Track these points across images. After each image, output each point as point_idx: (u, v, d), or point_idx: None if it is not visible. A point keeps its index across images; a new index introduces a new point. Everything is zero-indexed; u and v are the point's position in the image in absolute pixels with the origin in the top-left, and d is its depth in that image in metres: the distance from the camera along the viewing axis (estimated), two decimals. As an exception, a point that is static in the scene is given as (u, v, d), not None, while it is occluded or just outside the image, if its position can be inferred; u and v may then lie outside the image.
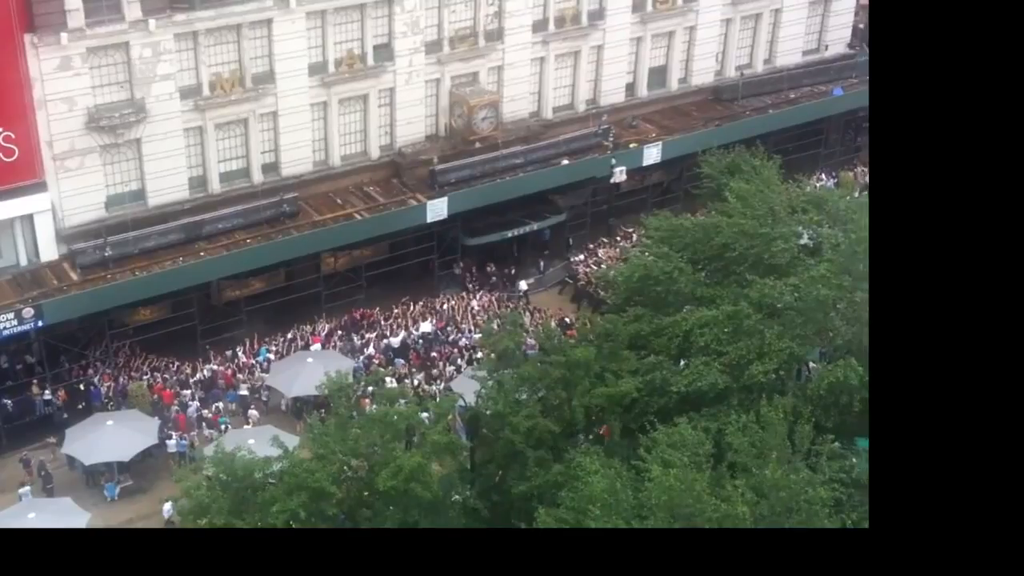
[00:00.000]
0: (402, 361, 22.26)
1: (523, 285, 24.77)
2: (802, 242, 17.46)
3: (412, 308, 23.85)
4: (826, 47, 30.89)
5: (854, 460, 13.23)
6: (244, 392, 21.58)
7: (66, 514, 17.64)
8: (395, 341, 22.76)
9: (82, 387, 21.04)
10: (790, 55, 30.12)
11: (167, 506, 18.32)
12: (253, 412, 21.01)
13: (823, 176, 29.05)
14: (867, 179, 30.04)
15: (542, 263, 25.66)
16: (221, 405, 21.24)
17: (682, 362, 15.60)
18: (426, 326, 23.21)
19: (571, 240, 26.04)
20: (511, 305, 24.08)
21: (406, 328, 23.24)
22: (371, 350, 22.52)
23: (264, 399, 21.63)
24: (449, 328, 23.39)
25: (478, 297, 24.50)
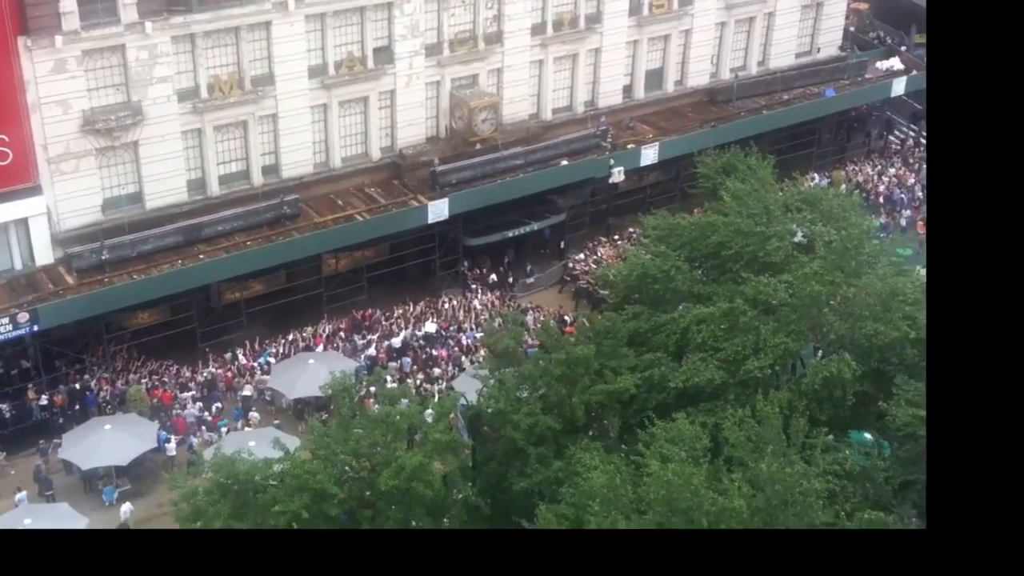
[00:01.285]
0: (409, 361, 22.24)
1: (494, 278, 24.91)
2: (796, 240, 17.70)
3: (413, 309, 23.88)
4: (818, 49, 31.27)
5: (847, 452, 13.40)
6: (247, 393, 21.56)
7: (63, 519, 17.53)
8: (396, 341, 22.77)
9: (78, 386, 20.93)
10: (783, 57, 30.48)
11: (125, 507, 18.30)
12: (254, 414, 20.98)
13: (815, 176, 29.39)
14: (859, 178, 30.49)
15: (529, 267, 25.60)
16: (219, 406, 21.14)
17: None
18: (430, 326, 23.26)
19: (563, 244, 26.08)
20: (511, 304, 24.23)
21: (407, 328, 23.27)
22: (373, 351, 22.52)
23: (268, 399, 21.57)
24: (452, 328, 23.45)
25: (479, 297, 24.59)
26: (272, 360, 22.19)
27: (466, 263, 25.05)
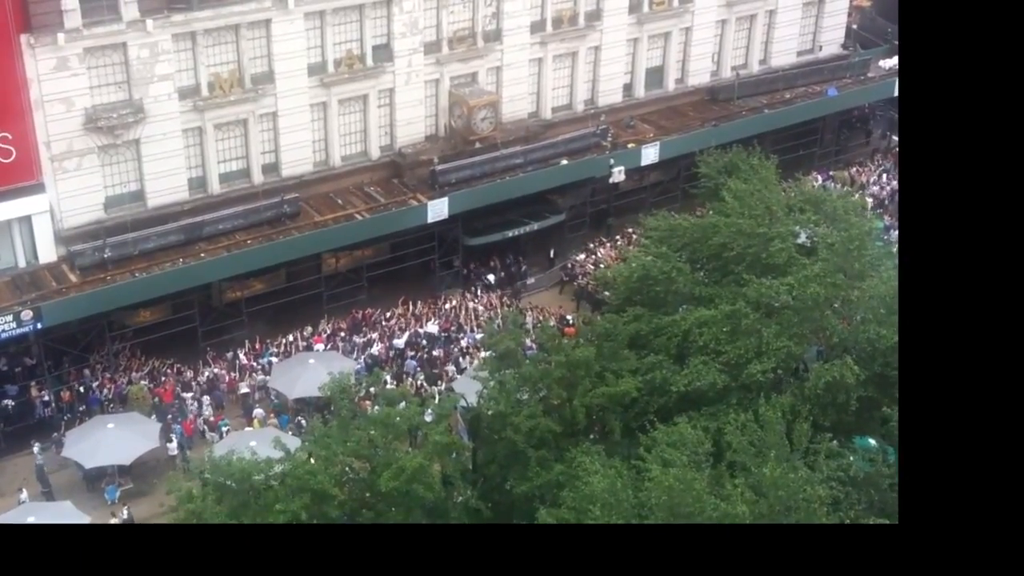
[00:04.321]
0: (414, 363, 22.21)
1: (491, 278, 24.80)
2: (799, 241, 17.65)
3: (412, 308, 23.88)
4: (820, 48, 31.10)
5: (851, 458, 13.41)
6: (245, 390, 21.55)
7: (66, 517, 17.54)
8: (399, 342, 22.75)
9: (82, 389, 20.93)
10: (785, 56, 30.32)
11: (23, 494, 18.32)
12: (259, 411, 21.00)
13: (818, 176, 29.31)
14: (863, 178, 30.40)
15: (498, 270, 25.30)
16: (213, 409, 21.05)
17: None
18: (431, 326, 23.24)
19: (552, 254, 25.93)
20: (511, 305, 24.21)
21: (407, 328, 23.25)
22: (375, 350, 22.46)
23: (274, 398, 21.54)
24: (452, 328, 23.42)
25: (478, 297, 24.57)
26: (275, 359, 22.14)
27: (460, 261, 24.88)
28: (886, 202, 29.38)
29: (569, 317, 23.42)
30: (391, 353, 22.58)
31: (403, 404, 15.18)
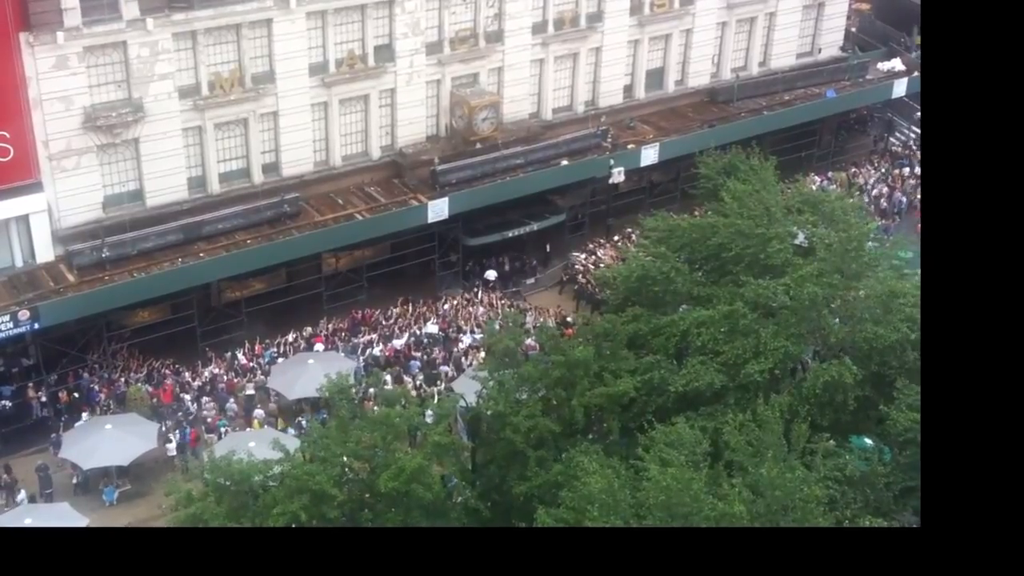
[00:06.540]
0: (415, 363, 22.14)
1: (492, 274, 24.86)
2: (797, 242, 17.73)
3: (412, 309, 23.88)
4: (819, 50, 31.24)
5: (848, 458, 13.46)
6: (250, 392, 21.48)
7: (64, 519, 17.50)
8: (399, 343, 22.76)
9: (76, 395, 20.84)
10: (784, 58, 30.45)
11: (21, 495, 18.17)
12: (259, 412, 20.96)
13: (816, 177, 29.42)
14: (860, 180, 30.51)
15: (500, 269, 25.23)
16: (231, 405, 20.94)
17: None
18: (431, 327, 23.24)
19: (548, 248, 25.95)
20: (511, 305, 24.23)
21: (407, 329, 23.25)
22: (376, 351, 22.43)
23: (275, 397, 21.47)
24: (451, 329, 23.43)
25: (478, 297, 24.60)
26: (280, 359, 22.06)
27: (460, 261, 24.89)
28: (883, 204, 29.50)
29: (569, 318, 23.46)
30: (390, 354, 22.56)
31: (402, 405, 15.13)
